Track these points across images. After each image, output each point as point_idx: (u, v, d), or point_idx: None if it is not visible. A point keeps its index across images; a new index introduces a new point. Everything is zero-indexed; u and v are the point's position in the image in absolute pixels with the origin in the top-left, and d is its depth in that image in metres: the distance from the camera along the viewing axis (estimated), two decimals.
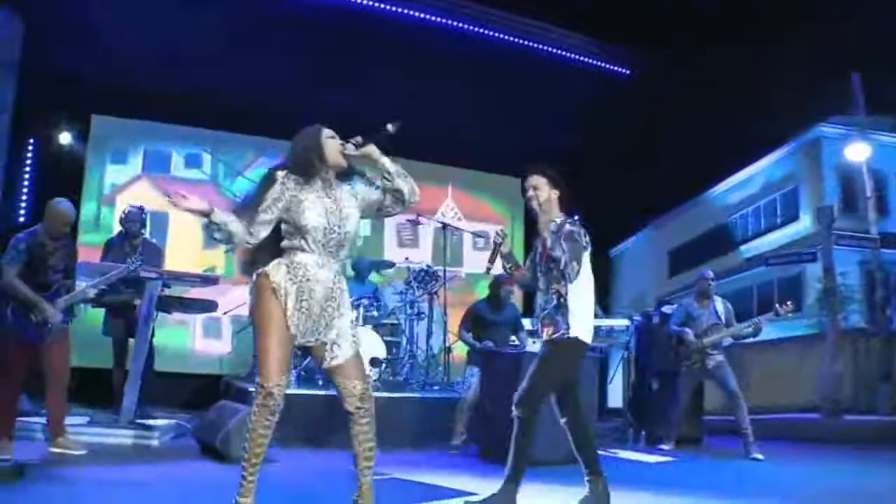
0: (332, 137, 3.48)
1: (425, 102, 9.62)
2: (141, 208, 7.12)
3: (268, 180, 3.39)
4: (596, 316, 8.25)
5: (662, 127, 9.84)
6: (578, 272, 4.08)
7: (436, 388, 7.93)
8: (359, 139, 3.48)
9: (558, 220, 4.24)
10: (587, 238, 4.15)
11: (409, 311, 8.58)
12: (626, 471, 5.90)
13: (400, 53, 9.48)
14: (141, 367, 6.17)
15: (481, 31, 10.29)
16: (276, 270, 3.35)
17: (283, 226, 3.42)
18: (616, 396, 8.64)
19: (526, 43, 10.54)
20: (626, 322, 7.91)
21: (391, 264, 9.18)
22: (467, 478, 5.20)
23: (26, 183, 8.65)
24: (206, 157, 10.12)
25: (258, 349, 3.32)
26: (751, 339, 7.19)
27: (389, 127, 3.47)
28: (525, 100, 10.13)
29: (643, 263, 10.89)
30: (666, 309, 7.58)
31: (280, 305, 3.31)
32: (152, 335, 6.72)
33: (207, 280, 6.51)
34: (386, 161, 3.51)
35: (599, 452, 6.38)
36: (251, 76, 9.23)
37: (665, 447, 6.91)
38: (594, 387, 6.15)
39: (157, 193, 9.74)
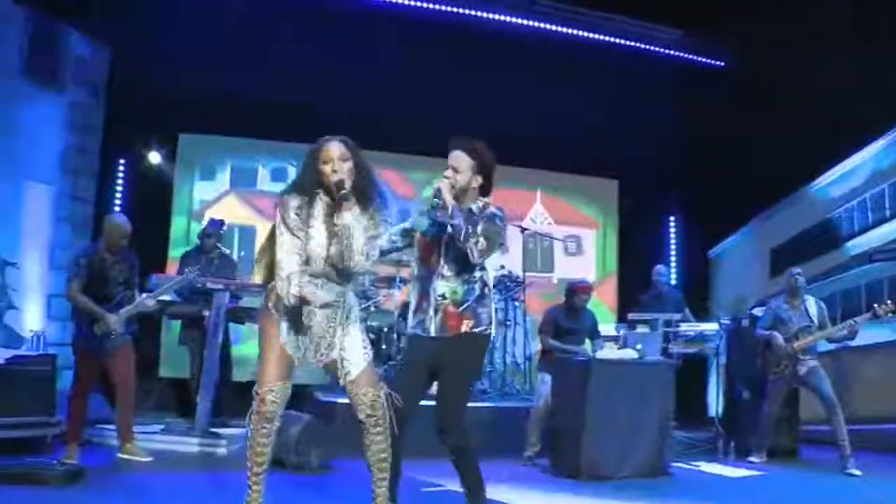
0: (328, 163, 3.25)
1: (511, 105, 9.46)
2: (219, 222, 7.31)
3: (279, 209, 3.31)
4: (685, 320, 7.94)
5: (761, 119, 9.25)
6: (483, 255, 3.48)
7: (514, 397, 7.71)
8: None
9: (480, 204, 3.69)
10: (505, 233, 3.72)
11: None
12: (704, 485, 5.54)
13: (485, 56, 9.33)
14: (213, 377, 6.26)
15: (566, 30, 10.01)
16: (274, 289, 3.29)
17: None
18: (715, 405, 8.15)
19: (612, 39, 10.19)
20: (714, 326, 7.45)
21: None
22: (528, 491, 5.01)
23: (118, 201, 8.96)
24: (292, 171, 10.23)
25: (258, 358, 3.32)
26: (855, 343, 6.62)
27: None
28: (613, 97, 9.79)
29: (744, 263, 10.26)
30: (756, 311, 7.08)
31: (276, 325, 3.29)
32: (227, 345, 6.84)
33: None
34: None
35: (680, 465, 6.11)
36: (335, 88, 9.30)
37: (755, 460, 6.43)
38: (668, 394, 5.77)
39: (245, 208, 9.95)
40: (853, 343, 6.60)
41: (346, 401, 5.86)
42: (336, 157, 3.24)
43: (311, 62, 9.08)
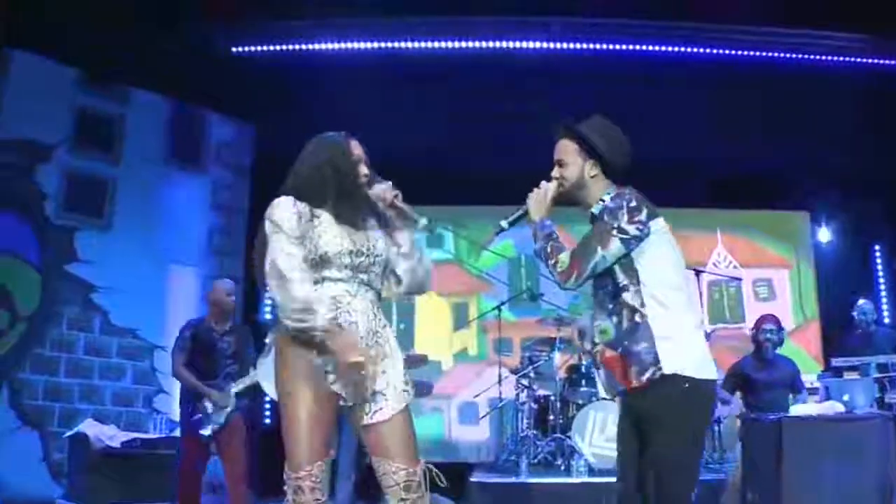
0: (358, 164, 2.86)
1: (681, 140, 8.57)
2: None
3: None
4: (891, 367, 6.55)
5: None
6: (584, 273, 2.67)
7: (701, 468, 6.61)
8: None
9: (606, 199, 2.78)
10: (640, 216, 2.68)
11: None
12: None
13: (647, 90, 8.49)
14: (350, 456, 5.71)
15: (726, 51, 8.96)
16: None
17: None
18: None
19: (784, 55, 9.01)
20: None
21: None
22: None
23: None
24: (448, 236, 9.80)
25: (284, 425, 2.61)
26: None
27: (423, 222, 2.84)
28: (793, 117, 8.66)
29: None
30: None
31: (306, 356, 2.59)
32: None
33: (413, 360, 5.95)
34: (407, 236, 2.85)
35: None
36: (481, 151, 8.86)
37: None
38: (890, 456, 4.52)
39: None
40: None
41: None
42: (361, 160, 2.88)
43: (459, 126, 8.68)
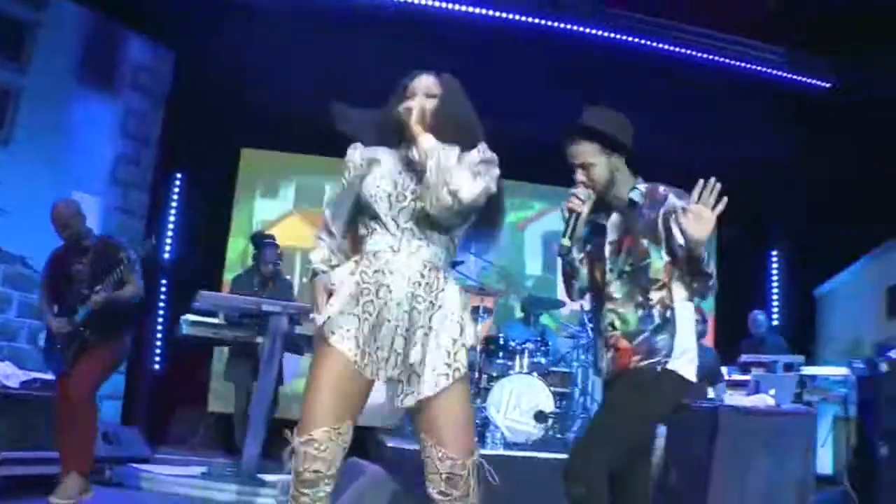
0: (411, 98, 2.54)
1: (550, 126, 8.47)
2: (272, 239, 6.58)
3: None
4: (795, 367, 6.83)
5: (876, 143, 8.22)
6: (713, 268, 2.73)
7: None
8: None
9: (642, 188, 2.83)
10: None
11: (582, 357, 7.46)
12: None
13: (566, 76, 8.38)
14: (264, 413, 5.43)
15: (650, 42, 8.91)
16: (341, 268, 2.43)
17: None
18: (825, 462, 6.95)
19: (704, 56, 9.10)
20: (843, 371, 6.37)
21: (562, 303, 8.08)
22: None
23: (172, 219, 8.28)
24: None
25: (305, 390, 2.39)
26: None
27: None
28: (705, 120, 8.78)
29: (855, 304, 9.13)
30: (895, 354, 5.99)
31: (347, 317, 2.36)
32: (279, 381, 5.98)
33: None
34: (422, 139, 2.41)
35: None
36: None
37: None
38: (811, 452, 4.72)
39: (310, 229, 9.22)
40: None
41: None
42: (420, 92, 2.47)
43: (385, 76, 8.31)
